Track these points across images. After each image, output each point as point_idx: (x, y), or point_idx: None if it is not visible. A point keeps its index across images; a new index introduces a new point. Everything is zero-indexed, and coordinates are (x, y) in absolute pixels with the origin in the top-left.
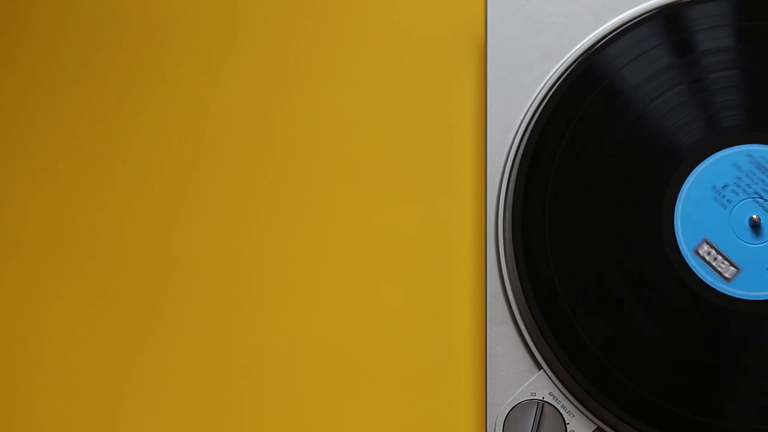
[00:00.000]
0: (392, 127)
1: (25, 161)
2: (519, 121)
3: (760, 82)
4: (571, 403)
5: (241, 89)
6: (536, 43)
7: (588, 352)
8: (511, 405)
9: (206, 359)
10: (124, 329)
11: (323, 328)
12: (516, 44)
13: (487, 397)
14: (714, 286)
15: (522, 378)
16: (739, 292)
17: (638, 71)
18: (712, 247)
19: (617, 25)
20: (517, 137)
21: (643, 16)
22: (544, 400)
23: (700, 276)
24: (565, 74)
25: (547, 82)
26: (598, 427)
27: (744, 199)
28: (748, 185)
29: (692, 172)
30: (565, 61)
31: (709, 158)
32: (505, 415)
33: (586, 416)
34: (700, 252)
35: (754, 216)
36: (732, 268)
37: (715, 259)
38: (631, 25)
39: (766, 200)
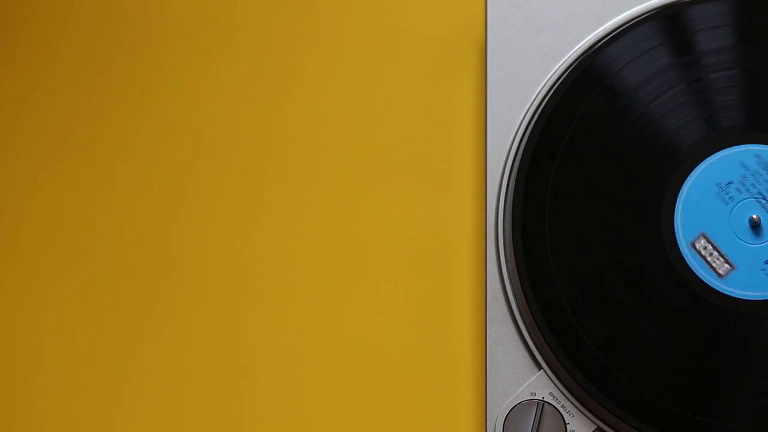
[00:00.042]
0: (392, 127)
1: (25, 161)
2: (519, 121)
3: (760, 82)
4: (571, 403)
5: (241, 89)
6: (536, 43)
7: (588, 352)
8: (511, 405)
9: (206, 359)
10: (124, 329)
11: (323, 328)
12: (516, 44)
13: (487, 397)
14: (709, 283)
15: (522, 378)
16: (731, 289)
17: (638, 71)
18: (708, 242)
19: (617, 25)
20: (517, 137)
21: (643, 16)
22: (544, 400)
23: (699, 276)
24: (565, 74)
25: (547, 82)
26: (598, 427)
27: (747, 198)
28: (753, 185)
29: (692, 172)
30: (565, 61)
31: (709, 158)
32: (505, 415)
33: (586, 416)
34: (697, 246)
35: (754, 216)
36: (726, 265)
37: (710, 254)
38: (631, 25)
39: None
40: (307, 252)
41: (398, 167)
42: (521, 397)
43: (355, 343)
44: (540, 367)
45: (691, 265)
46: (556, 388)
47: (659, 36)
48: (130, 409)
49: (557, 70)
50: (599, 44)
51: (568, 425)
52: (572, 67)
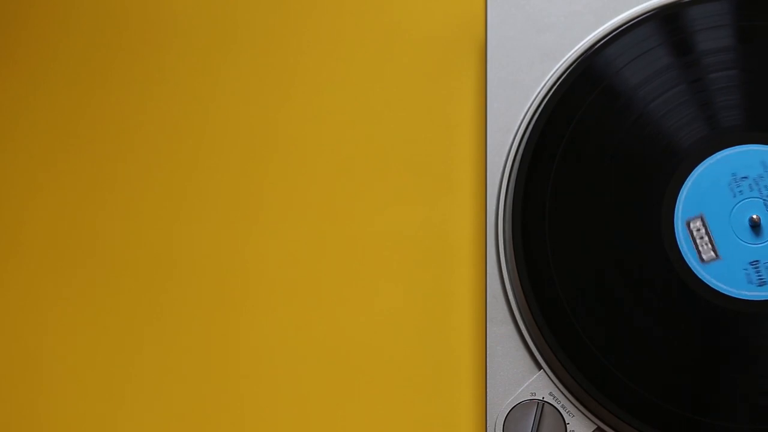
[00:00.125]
0: (392, 127)
1: (25, 161)
2: (519, 121)
3: (760, 82)
4: (571, 403)
5: (241, 89)
6: (536, 43)
7: (588, 352)
8: (511, 405)
9: (206, 359)
10: (124, 329)
11: (323, 328)
12: (516, 44)
13: (487, 397)
14: (690, 264)
15: (522, 378)
16: (707, 276)
17: (638, 71)
18: (704, 225)
19: (617, 25)
20: (517, 137)
21: (643, 16)
22: (544, 400)
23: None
24: (565, 74)
25: (547, 82)
26: (598, 427)
27: (755, 198)
28: (766, 187)
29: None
30: (565, 61)
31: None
32: (505, 415)
33: (586, 416)
34: (691, 225)
35: (755, 216)
36: (712, 253)
37: (701, 237)
38: (631, 25)
39: None
40: (307, 252)
41: (398, 167)
42: (521, 397)
43: (355, 343)
44: (540, 367)
45: (678, 242)
46: (556, 388)
47: (659, 36)
48: (130, 409)
49: (557, 70)
50: (599, 44)
51: (568, 425)
52: (572, 67)
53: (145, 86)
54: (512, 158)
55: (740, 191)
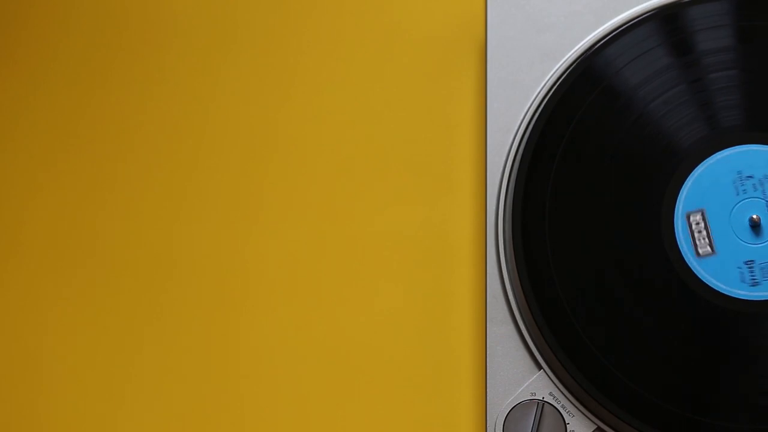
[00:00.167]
0: (392, 127)
1: (25, 161)
2: (519, 121)
3: (760, 82)
4: (571, 403)
5: (241, 89)
6: (536, 43)
7: (588, 352)
8: (511, 405)
9: (206, 359)
10: (124, 329)
11: (323, 328)
12: (516, 44)
13: (487, 397)
14: (685, 257)
15: (522, 378)
16: (700, 270)
17: (638, 71)
18: (704, 219)
19: (617, 25)
20: (517, 137)
21: (643, 16)
22: (544, 400)
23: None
24: (565, 74)
25: (547, 82)
26: (598, 427)
27: (758, 199)
28: None
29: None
30: (565, 61)
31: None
32: (505, 415)
33: (586, 416)
34: (691, 219)
35: (755, 216)
36: (708, 248)
37: (699, 231)
38: (631, 25)
39: None
40: (307, 252)
41: (398, 167)
42: (521, 397)
43: (355, 343)
44: (540, 367)
45: (676, 235)
46: (556, 388)
47: (659, 36)
48: (130, 409)
49: (557, 70)
50: (599, 44)
51: (568, 425)
52: (572, 67)
53: (145, 86)
54: (512, 158)
55: (744, 190)
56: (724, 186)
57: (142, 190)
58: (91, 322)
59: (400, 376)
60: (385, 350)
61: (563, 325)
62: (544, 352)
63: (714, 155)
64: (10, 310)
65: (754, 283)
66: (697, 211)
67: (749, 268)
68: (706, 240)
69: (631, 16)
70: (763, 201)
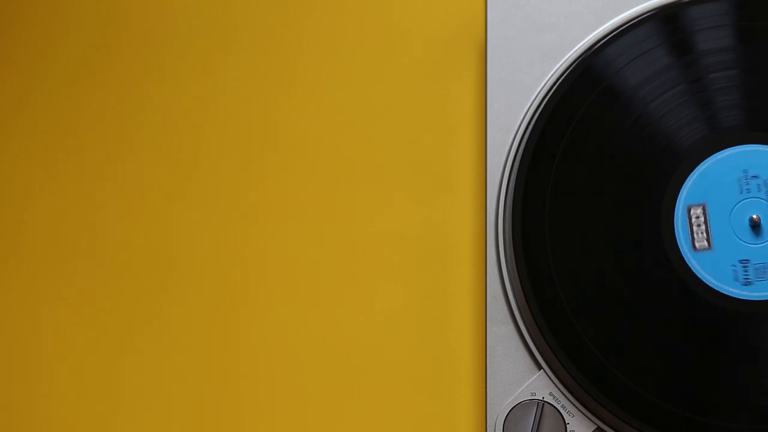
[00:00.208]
0: (392, 127)
1: (25, 161)
2: (519, 121)
3: (760, 82)
4: (571, 403)
5: (241, 89)
6: (536, 43)
7: (588, 352)
8: (511, 405)
9: (206, 359)
10: (124, 329)
11: (323, 328)
12: (516, 44)
13: (487, 397)
14: (681, 250)
15: (522, 378)
16: (694, 264)
17: (638, 71)
18: (704, 214)
19: (617, 25)
20: (517, 137)
21: (643, 16)
22: (544, 400)
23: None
24: (565, 74)
25: (547, 82)
26: (598, 427)
27: (761, 200)
28: None
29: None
30: (565, 61)
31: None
32: (505, 415)
33: (586, 416)
34: (692, 212)
35: (755, 216)
36: (705, 243)
37: (699, 225)
38: (631, 25)
39: None
40: (307, 252)
41: (398, 167)
42: (521, 397)
43: (355, 343)
44: (540, 367)
45: (675, 227)
46: (556, 388)
47: (659, 36)
48: (129, 408)
49: (557, 70)
50: (599, 44)
51: (568, 425)
52: (572, 67)
53: (145, 86)
54: (512, 158)
55: (748, 189)
56: (729, 183)
57: (142, 190)
58: (90, 321)
59: (400, 376)
60: (385, 350)
61: (563, 325)
62: (544, 352)
63: (721, 152)
64: (9, 310)
65: (747, 283)
66: (698, 205)
67: (744, 267)
68: (704, 234)
69: (631, 16)
70: (766, 202)
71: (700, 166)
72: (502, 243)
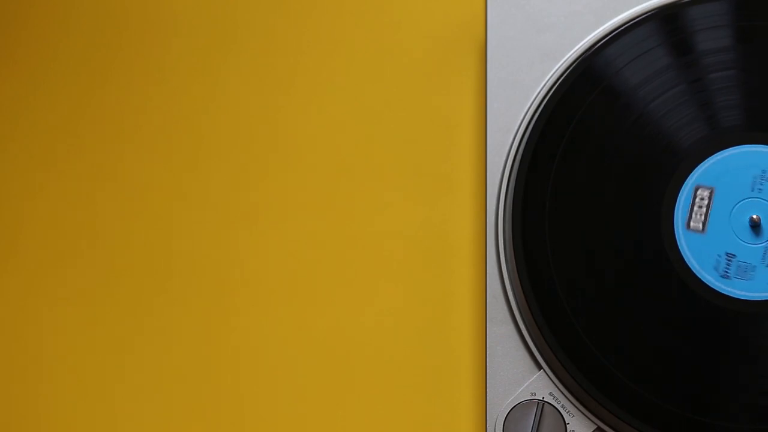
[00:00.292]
0: (392, 127)
1: (25, 161)
2: (519, 121)
3: (760, 82)
4: (571, 403)
5: (241, 89)
6: (536, 43)
7: (588, 352)
8: (511, 405)
9: (206, 359)
10: (123, 329)
11: (323, 328)
12: (516, 44)
13: (487, 397)
14: (675, 226)
15: (522, 378)
16: (683, 247)
17: (638, 71)
18: (709, 198)
19: (617, 25)
20: (517, 137)
21: (643, 16)
22: (544, 400)
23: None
24: (565, 74)
25: (547, 82)
26: (598, 427)
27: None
28: None
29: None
30: (565, 61)
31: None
32: (505, 415)
33: (586, 416)
34: (698, 192)
35: (755, 216)
36: (700, 225)
37: (700, 206)
38: (630, 25)
39: None
40: (307, 252)
41: (398, 167)
42: (521, 397)
43: (355, 343)
44: (540, 367)
45: (677, 204)
46: (556, 388)
47: (659, 36)
48: (129, 408)
49: (557, 70)
50: (599, 44)
51: (568, 425)
52: (572, 67)
53: (145, 86)
54: (512, 158)
55: (760, 189)
56: (744, 178)
57: (142, 190)
58: (90, 321)
59: (400, 376)
60: (385, 350)
61: (563, 325)
62: (544, 352)
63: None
64: (9, 310)
65: (725, 275)
66: (707, 188)
67: (728, 260)
68: (702, 217)
69: (631, 16)
70: None
71: (723, 152)
72: (502, 243)
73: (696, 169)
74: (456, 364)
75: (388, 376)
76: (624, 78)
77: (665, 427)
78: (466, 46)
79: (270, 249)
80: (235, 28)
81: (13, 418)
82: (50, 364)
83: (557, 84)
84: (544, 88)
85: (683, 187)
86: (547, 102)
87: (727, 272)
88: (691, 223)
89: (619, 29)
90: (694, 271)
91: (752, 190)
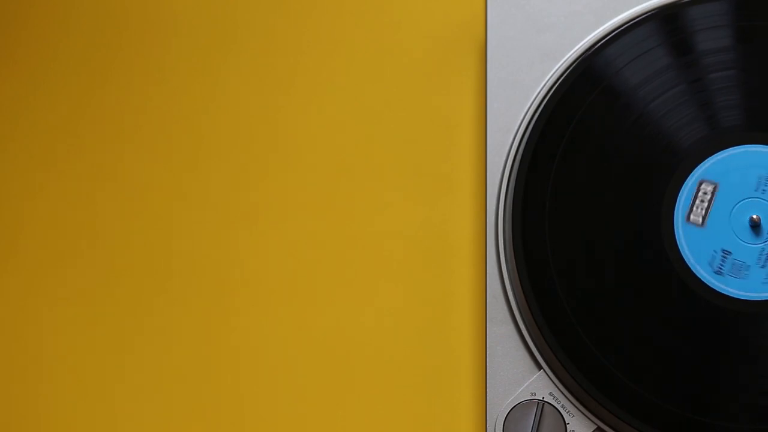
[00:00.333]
0: (392, 127)
1: (25, 161)
2: (519, 121)
3: (760, 82)
4: (571, 403)
5: (241, 89)
6: (536, 43)
7: (588, 352)
8: (511, 405)
9: (206, 359)
10: (123, 329)
11: (323, 328)
12: (516, 44)
13: (487, 397)
14: (674, 217)
15: (522, 378)
16: (681, 241)
17: (638, 71)
18: (712, 193)
19: (617, 25)
20: (517, 137)
21: (643, 16)
22: (544, 400)
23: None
24: (565, 74)
25: (547, 82)
26: (598, 427)
27: None
28: None
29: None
30: (565, 61)
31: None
32: (505, 415)
33: (586, 416)
34: (702, 186)
35: (755, 216)
36: (700, 219)
37: (702, 201)
38: (630, 25)
39: None
40: (306, 252)
41: (398, 167)
42: (521, 397)
43: (355, 343)
44: (540, 367)
45: (679, 198)
46: (556, 388)
47: (659, 36)
48: (129, 408)
49: (557, 70)
50: (599, 44)
51: (568, 425)
52: (572, 67)
53: (145, 86)
54: (512, 158)
55: (764, 190)
56: (749, 177)
57: (141, 190)
58: (90, 321)
59: (400, 376)
60: (385, 350)
61: (563, 325)
62: (544, 352)
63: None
64: (9, 310)
65: (718, 272)
66: (711, 183)
67: (723, 257)
68: (703, 211)
69: (631, 16)
70: None
71: (723, 152)
72: (502, 243)
73: (696, 169)
74: (456, 364)
75: (388, 376)
76: (624, 78)
77: (665, 427)
78: (466, 46)
79: (270, 249)
80: (235, 28)
81: (13, 418)
82: (50, 364)
83: (557, 84)
84: (544, 88)
85: (684, 184)
86: (547, 102)
87: (721, 269)
88: (692, 216)
89: (619, 29)
90: (688, 263)
91: (756, 190)
